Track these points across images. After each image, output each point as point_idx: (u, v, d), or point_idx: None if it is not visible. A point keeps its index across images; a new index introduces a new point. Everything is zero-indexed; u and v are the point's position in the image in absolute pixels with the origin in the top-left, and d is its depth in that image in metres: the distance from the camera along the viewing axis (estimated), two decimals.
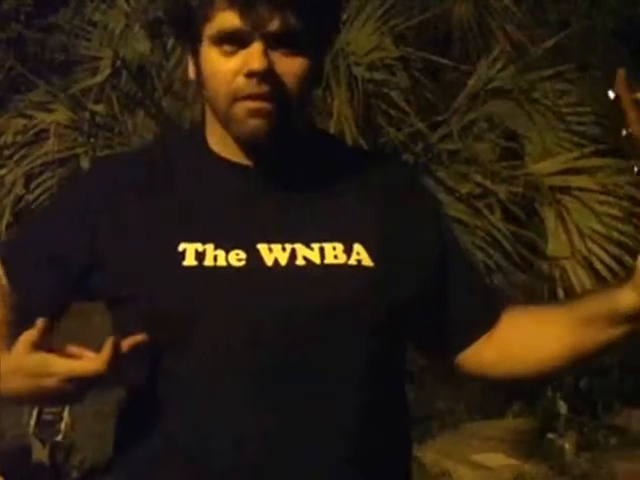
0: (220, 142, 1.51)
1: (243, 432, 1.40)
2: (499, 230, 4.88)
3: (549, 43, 5.58)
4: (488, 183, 5.06)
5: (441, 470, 5.27)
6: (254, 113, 1.42)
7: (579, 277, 5.05)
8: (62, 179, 5.24)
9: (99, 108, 5.52)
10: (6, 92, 6.19)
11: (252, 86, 1.41)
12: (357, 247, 1.47)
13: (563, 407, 5.60)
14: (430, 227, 1.60)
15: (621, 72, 1.34)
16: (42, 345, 1.34)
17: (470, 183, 5.05)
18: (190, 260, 1.42)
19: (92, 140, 5.40)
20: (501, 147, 5.32)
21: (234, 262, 1.42)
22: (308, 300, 1.43)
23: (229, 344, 1.41)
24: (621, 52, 7.03)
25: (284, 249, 1.44)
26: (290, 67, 1.42)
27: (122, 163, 1.62)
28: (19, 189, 5.44)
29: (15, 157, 5.53)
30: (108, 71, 5.55)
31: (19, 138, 5.58)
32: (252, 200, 1.49)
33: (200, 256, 1.42)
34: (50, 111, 5.55)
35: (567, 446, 5.41)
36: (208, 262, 1.42)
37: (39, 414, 4.90)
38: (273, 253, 1.43)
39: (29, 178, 5.44)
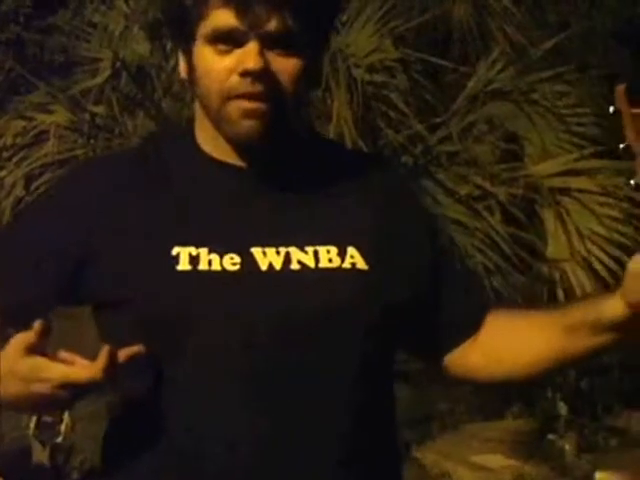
0: (211, 142, 1.49)
1: (237, 435, 1.40)
2: (498, 232, 4.88)
3: (549, 44, 5.59)
4: (487, 185, 5.06)
5: (441, 471, 5.27)
6: (248, 114, 1.40)
7: (579, 279, 5.06)
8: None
9: (99, 109, 5.52)
10: (6, 93, 6.18)
11: (246, 85, 1.39)
12: (351, 250, 1.46)
13: (563, 408, 5.59)
14: (425, 229, 1.61)
15: (620, 88, 1.36)
16: (37, 348, 1.31)
17: (469, 185, 5.06)
18: (184, 264, 1.40)
19: (92, 141, 5.41)
20: (501, 149, 5.32)
21: (228, 266, 1.41)
22: (303, 304, 1.42)
23: (224, 348, 1.40)
24: (621, 53, 7.02)
25: (278, 253, 1.43)
26: (286, 67, 1.41)
27: (117, 163, 1.59)
28: (19, 191, 5.44)
29: (15, 159, 5.53)
30: (108, 72, 5.55)
31: (19, 140, 5.58)
32: (245, 202, 1.48)
33: (194, 260, 1.41)
34: (50, 112, 5.55)
35: (567, 447, 5.41)
36: (202, 266, 1.41)
37: (39, 416, 4.90)
38: (267, 257, 1.42)
39: (29, 180, 5.44)
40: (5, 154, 5.56)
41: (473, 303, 1.62)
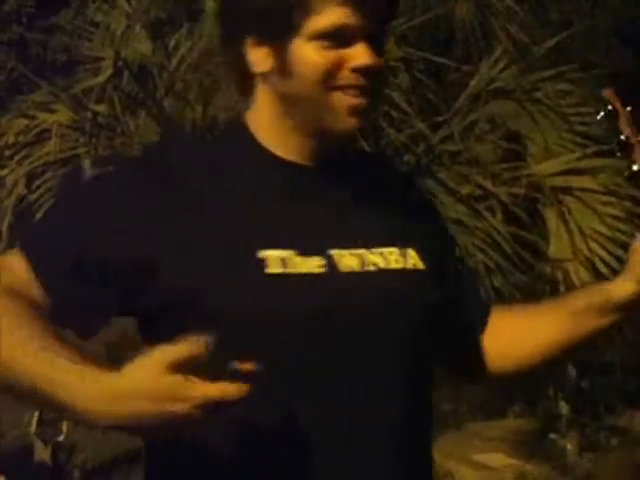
0: (278, 139, 1.48)
1: (323, 431, 1.41)
2: (499, 233, 4.88)
3: (551, 43, 5.58)
4: (489, 185, 5.06)
5: (443, 470, 5.28)
6: (353, 111, 1.43)
7: (581, 278, 5.05)
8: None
9: (101, 108, 5.52)
10: (8, 93, 6.21)
11: (353, 78, 1.42)
12: (409, 251, 1.50)
13: (565, 408, 5.61)
14: (441, 230, 1.70)
15: (608, 92, 1.51)
16: (187, 367, 1.23)
17: (471, 184, 5.05)
18: (274, 267, 1.40)
19: (94, 140, 5.40)
20: (503, 148, 5.32)
21: (314, 269, 1.42)
22: (383, 304, 1.45)
23: (316, 348, 1.41)
24: (624, 52, 7.03)
25: (353, 255, 1.46)
26: (380, 67, 1.46)
27: (170, 163, 1.51)
28: (21, 189, 5.45)
29: (17, 157, 5.53)
30: (110, 71, 5.55)
31: (21, 138, 5.59)
32: (315, 202, 1.49)
33: (283, 263, 1.41)
34: (52, 111, 5.55)
35: (569, 446, 5.42)
36: (291, 269, 1.41)
37: (41, 414, 4.91)
38: (345, 259, 1.45)
39: (31, 178, 5.44)
40: (7, 152, 5.57)
41: (479, 302, 1.70)
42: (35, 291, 1.42)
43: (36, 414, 4.91)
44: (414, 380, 1.48)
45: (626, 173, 1.46)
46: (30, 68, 6.01)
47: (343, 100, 1.43)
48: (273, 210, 1.46)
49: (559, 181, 5.21)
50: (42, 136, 5.53)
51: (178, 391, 1.22)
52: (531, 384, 5.64)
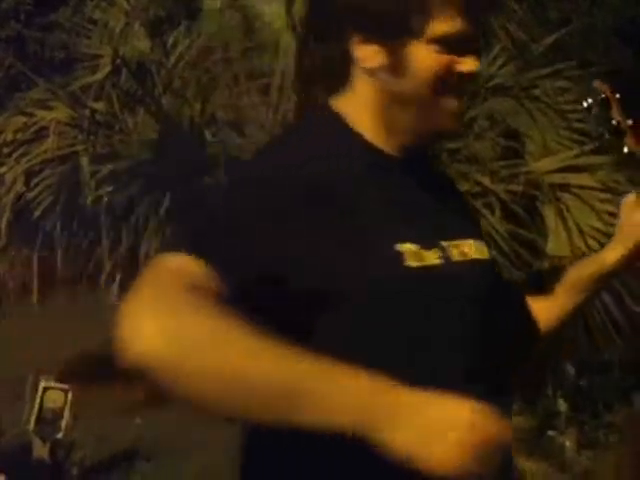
0: (376, 131, 1.52)
1: None
2: (497, 231, 4.88)
3: (549, 40, 5.58)
4: (488, 182, 5.06)
5: None
6: (454, 115, 1.50)
7: None
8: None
9: (99, 106, 5.53)
10: (6, 90, 6.21)
11: (459, 82, 1.48)
12: (481, 243, 1.59)
13: (563, 405, 5.59)
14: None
15: (598, 82, 1.62)
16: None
17: (469, 182, 5.05)
18: (412, 260, 1.44)
19: (92, 138, 5.41)
20: (501, 146, 5.32)
21: (436, 260, 1.47)
22: (483, 290, 1.54)
23: (447, 336, 1.47)
24: (622, 50, 7.02)
25: (454, 245, 1.52)
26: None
27: (300, 163, 1.48)
28: (19, 187, 5.46)
29: (15, 155, 5.54)
30: (108, 69, 5.57)
31: (19, 136, 5.59)
32: (416, 195, 1.54)
33: (416, 256, 1.45)
34: (50, 109, 5.56)
35: (568, 444, 5.41)
36: (422, 262, 1.45)
37: (39, 411, 4.90)
38: (452, 250, 1.51)
39: (29, 176, 5.45)
40: (5, 150, 5.58)
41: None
42: (211, 283, 1.34)
43: (35, 411, 4.90)
44: (503, 347, 1.55)
45: (625, 150, 1.52)
46: (28, 66, 6.02)
47: (450, 103, 1.49)
48: (392, 202, 1.49)
49: (557, 178, 5.22)
50: (40, 134, 5.54)
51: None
52: (530, 382, 5.63)
